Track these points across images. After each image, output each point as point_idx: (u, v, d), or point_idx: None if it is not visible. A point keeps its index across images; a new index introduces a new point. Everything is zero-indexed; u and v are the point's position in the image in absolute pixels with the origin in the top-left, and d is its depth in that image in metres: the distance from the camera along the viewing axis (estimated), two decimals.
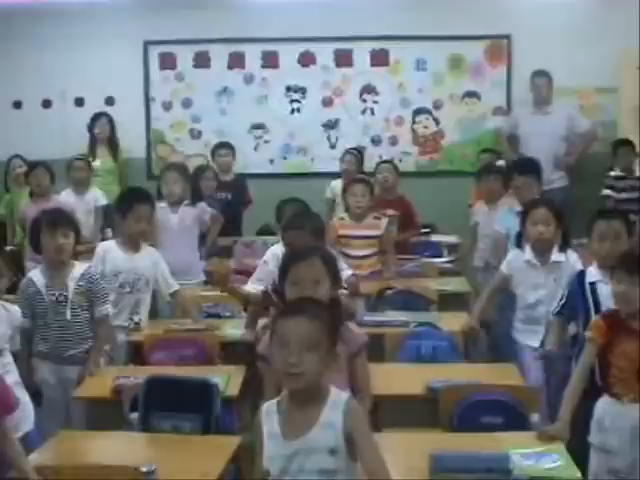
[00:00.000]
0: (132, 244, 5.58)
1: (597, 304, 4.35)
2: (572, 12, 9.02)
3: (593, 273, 4.48)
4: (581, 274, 4.56)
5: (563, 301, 4.62)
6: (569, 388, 3.88)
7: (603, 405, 3.77)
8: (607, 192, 8.31)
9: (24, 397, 4.17)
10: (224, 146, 8.80)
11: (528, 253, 5.16)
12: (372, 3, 9.12)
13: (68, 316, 4.71)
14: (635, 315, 3.72)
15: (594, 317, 4.21)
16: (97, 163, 8.99)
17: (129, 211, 5.57)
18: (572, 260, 5.05)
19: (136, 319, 5.48)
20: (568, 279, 4.76)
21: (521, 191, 6.22)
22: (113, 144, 9.33)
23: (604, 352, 3.77)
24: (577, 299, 4.47)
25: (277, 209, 6.48)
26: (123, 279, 5.44)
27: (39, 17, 9.35)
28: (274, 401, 2.92)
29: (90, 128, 9.29)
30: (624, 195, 8.24)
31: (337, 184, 8.33)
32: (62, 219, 4.87)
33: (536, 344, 5.04)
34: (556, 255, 5.09)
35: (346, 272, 5.54)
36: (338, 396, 2.86)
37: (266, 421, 2.87)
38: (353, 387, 3.55)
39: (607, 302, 4.21)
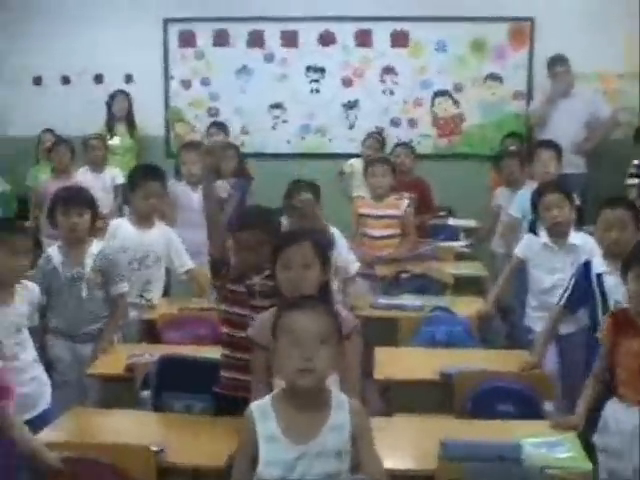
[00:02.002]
0: (143, 220, 5.55)
1: (604, 296, 4.30)
2: None
3: (599, 264, 4.41)
4: (587, 265, 4.47)
5: (569, 292, 4.51)
6: (585, 385, 3.84)
7: (610, 406, 3.68)
8: (632, 181, 8.15)
9: (41, 374, 4.16)
10: (214, 125, 8.79)
11: (544, 236, 5.12)
12: None
13: (84, 294, 4.71)
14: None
15: (600, 309, 4.23)
16: (115, 141, 9.00)
17: (138, 188, 5.55)
18: (590, 244, 4.95)
19: (147, 296, 5.45)
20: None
21: (543, 164, 6.22)
22: (131, 122, 9.31)
23: (612, 352, 3.69)
24: (583, 290, 4.41)
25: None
26: (131, 256, 5.38)
27: None
28: (266, 400, 2.79)
29: (108, 106, 9.27)
30: None
31: (356, 162, 8.31)
32: (77, 198, 4.86)
33: None
34: (573, 237, 5.05)
35: (353, 265, 5.54)
36: (339, 396, 2.80)
37: (260, 422, 2.73)
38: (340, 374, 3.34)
39: (613, 294, 4.21)
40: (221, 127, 8.75)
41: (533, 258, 5.19)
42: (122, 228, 5.52)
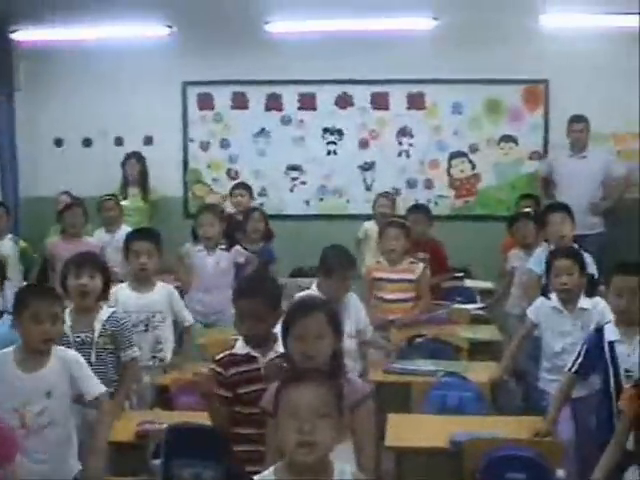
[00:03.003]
0: (141, 282, 5.55)
1: (615, 364, 4.25)
2: (609, 57, 8.95)
3: (611, 331, 4.37)
4: (599, 331, 4.44)
5: (580, 359, 4.44)
6: (604, 454, 3.78)
7: (632, 475, 3.64)
8: None
9: (67, 454, 4.01)
10: (239, 187, 8.87)
11: (554, 300, 5.14)
12: (409, 46, 9.13)
13: (92, 359, 4.66)
14: None
15: (612, 377, 4.18)
16: (126, 202, 9.06)
17: (129, 249, 5.62)
18: (600, 308, 4.96)
19: (160, 356, 5.45)
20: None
21: (556, 228, 6.23)
22: (143, 183, 9.38)
23: (637, 421, 3.65)
24: (595, 357, 4.36)
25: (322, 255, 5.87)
26: (135, 318, 5.34)
27: (81, 57, 9.49)
28: (269, 472, 2.78)
29: (123, 168, 9.38)
30: None
31: (370, 225, 8.35)
32: (87, 261, 4.91)
33: None
34: (583, 302, 5.06)
35: (370, 329, 5.60)
36: (342, 469, 2.77)
37: None
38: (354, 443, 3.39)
39: (624, 362, 4.18)
40: (246, 188, 8.84)
41: (544, 321, 5.20)
42: (122, 292, 5.52)
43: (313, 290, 5.49)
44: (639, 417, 3.64)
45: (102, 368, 4.71)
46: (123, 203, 8.89)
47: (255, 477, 2.80)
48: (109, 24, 8.94)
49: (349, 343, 5.33)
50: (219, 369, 3.89)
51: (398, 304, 6.49)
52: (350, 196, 9.66)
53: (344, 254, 5.63)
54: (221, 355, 3.98)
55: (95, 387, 4.07)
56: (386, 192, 8.87)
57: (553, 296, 5.16)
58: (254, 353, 3.89)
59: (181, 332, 5.77)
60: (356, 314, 5.46)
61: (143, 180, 9.39)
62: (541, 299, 5.31)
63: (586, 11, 8.70)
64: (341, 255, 5.60)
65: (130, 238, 5.77)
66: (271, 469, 2.79)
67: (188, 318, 5.68)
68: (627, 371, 4.13)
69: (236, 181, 9.34)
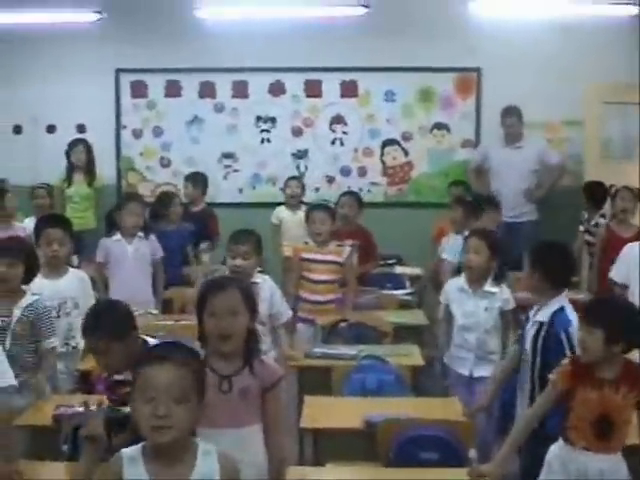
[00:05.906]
0: (53, 269, 5.51)
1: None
2: (541, 47, 9.04)
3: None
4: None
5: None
6: (516, 428, 3.80)
7: (555, 449, 3.67)
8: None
9: None
10: (187, 178, 8.88)
11: (462, 280, 5.26)
12: (342, 34, 9.13)
13: (7, 345, 4.61)
14: (598, 364, 3.61)
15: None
16: (71, 190, 8.97)
17: (41, 236, 5.57)
18: (505, 294, 5.14)
19: (73, 343, 5.39)
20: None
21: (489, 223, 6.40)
22: (90, 170, 9.19)
23: (566, 397, 3.66)
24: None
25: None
26: (48, 305, 5.15)
27: (12, 43, 9.36)
28: (138, 447, 2.66)
29: (67, 154, 9.16)
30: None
31: (280, 210, 8.56)
32: (8, 248, 4.86)
33: (466, 372, 5.13)
34: (489, 285, 5.16)
35: (286, 313, 5.57)
36: (206, 449, 2.70)
37: (129, 468, 2.63)
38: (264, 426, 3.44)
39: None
40: (192, 180, 8.84)
41: (452, 298, 5.30)
42: (34, 280, 5.31)
43: None
44: (568, 393, 3.64)
45: (16, 355, 4.64)
46: (68, 191, 8.86)
47: (123, 450, 2.69)
48: (35, 10, 8.79)
49: (261, 328, 5.33)
50: None
51: (325, 285, 6.48)
52: (283, 184, 9.62)
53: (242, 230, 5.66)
54: None
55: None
56: (294, 176, 9.02)
57: (462, 276, 5.28)
58: None
59: None
60: (270, 298, 5.45)
61: (90, 166, 9.17)
62: (450, 280, 5.46)
63: None
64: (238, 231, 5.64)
65: (41, 225, 5.73)
66: (139, 448, 2.67)
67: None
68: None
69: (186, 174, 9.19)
